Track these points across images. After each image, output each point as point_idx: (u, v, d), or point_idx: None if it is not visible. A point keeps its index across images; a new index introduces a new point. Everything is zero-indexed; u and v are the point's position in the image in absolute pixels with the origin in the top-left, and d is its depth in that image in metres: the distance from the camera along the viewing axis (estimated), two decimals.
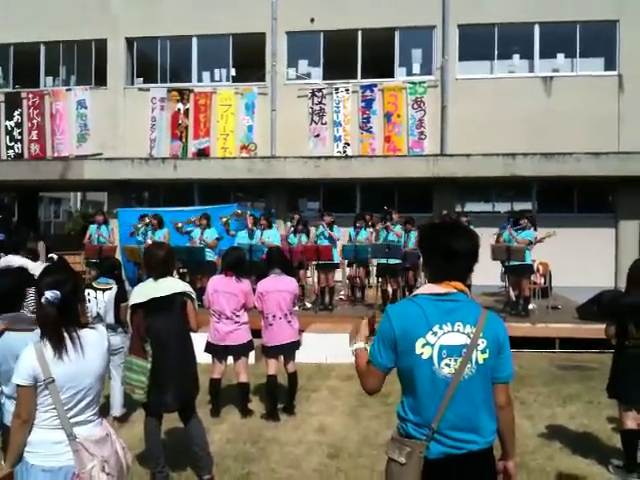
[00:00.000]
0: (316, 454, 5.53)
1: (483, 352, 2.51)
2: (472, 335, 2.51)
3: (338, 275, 12.45)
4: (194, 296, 4.97)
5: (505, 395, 2.63)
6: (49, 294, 2.85)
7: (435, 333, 2.50)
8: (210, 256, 11.70)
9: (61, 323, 2.87)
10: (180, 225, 12.10)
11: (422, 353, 2.50)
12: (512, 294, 11.38)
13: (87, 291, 6.11)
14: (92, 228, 13.04)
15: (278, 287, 6.50)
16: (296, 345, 6.73)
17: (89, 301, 6.05)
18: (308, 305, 11.85)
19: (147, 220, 12.15)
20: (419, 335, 2.51)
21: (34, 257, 7.92)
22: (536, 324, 10.25)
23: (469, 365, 2.49)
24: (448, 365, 2.49)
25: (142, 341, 4.64)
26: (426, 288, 2.63)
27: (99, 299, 6.11)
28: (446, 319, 2.52)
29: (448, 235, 2.61)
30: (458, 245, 2.57)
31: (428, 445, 2.47)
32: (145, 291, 4.79)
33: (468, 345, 2.50)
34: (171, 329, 4.73)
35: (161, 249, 5.01)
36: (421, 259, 10.00)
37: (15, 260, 7.08)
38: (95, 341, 2.96)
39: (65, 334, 2.86)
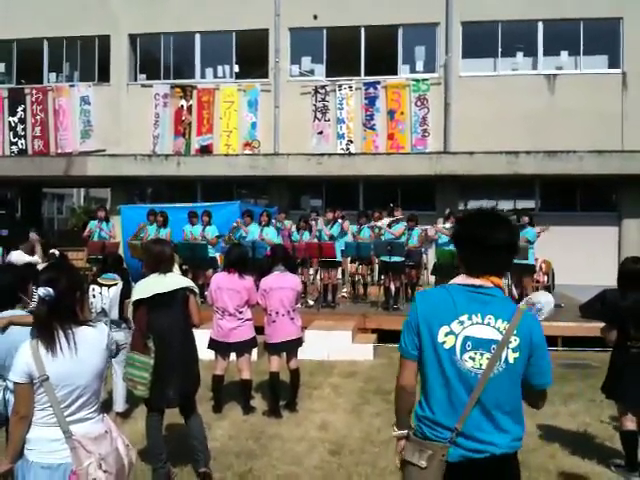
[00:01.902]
0: (318, 451, 5.54)
1: (514, 351, 2.36)
2: (504, 331, 2.36)
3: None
4: (197, 291, 5.02)
5: (544, 400, 2.53)
6: (41, 291, 2.87)
7: (462, 322, 2.38)
8: (210, 252, 11.76)
9: (53, 320, 2.87)
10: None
11: (444, 342, 2.38)
12: (514, 292, 11.39)
13: (92, 287, 6.13)
14: (92, 223, 13.08)
15: (281, 284, 6.51)
16: (299, 342, 6.74)
17: (94, 297, 6.07)
18: (311, 302, 11.86)
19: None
20: (444, 322, 2.39)
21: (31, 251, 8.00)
22: None
23: (498, 362, 2.35)
24: (472, 359, 2.36)
25: (144, 337, 4.66)
26: (461, 278, 2.50)
27: (104, 295, 6.12)
28: (476, 310, 2.39)
29: (488, 227, 2.46)
30: (498, 237, 2.42)
31: (449, 448, 2.35)
32: (148, 287, 4.79)
33: (499, 341, 2.35)
34: (174, 324, 4.76)
35: (167, 245, 5.09)
36: (424, 257, 9.98)
37: (16, 256, 7.13)
38: (93, 339, 2.95)
39: (60, 332, 2.86)
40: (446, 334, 2.39)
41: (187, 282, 5.00)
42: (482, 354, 2.36)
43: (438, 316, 2.42)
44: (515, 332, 2.37)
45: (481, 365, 2.36)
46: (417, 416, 2.49)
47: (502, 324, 2.38)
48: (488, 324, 2.38)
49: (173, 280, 4.86)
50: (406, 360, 2.50)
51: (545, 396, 2.54)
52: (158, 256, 4.85)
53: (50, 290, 2.88)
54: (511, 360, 2.36)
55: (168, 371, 4.66)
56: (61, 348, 2.83)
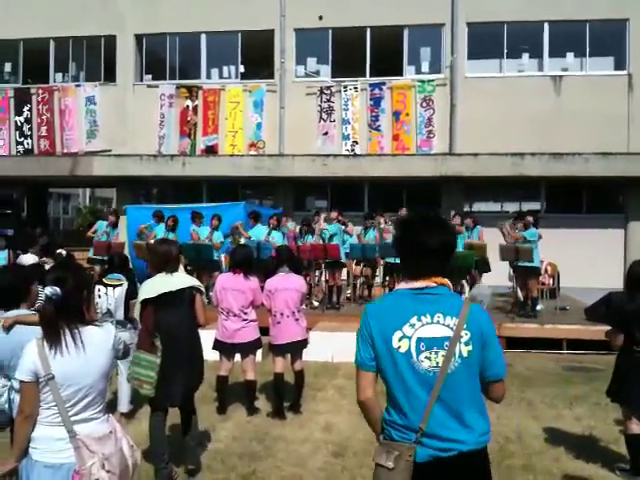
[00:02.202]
0: (322, 453, 5.54)
1: (467, 344, 2.40)
2: (454, 327, 2.40)
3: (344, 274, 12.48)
4: (203, 290, 5.09)
5: (499, 394, 2.53)
6: (48, 291, 2.88)
7: (412, 325, 2.42)
8: (215, 256, 11.79)
9: (60, 320, 2.88)
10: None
11: (399, 347, 2.41)
12: (520, 295, 11.36)
13: (97, 287, 6.13)
14: (101, 224, 13.11)
15: (286, 285, 6.51)
16: (303, 343, 6.73)
17: (99, 297, 6.08)
18: (315, 303, 11.86)
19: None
20: (395, 328, 2.43)
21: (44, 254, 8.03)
22: (544, 325, 10.22)
23: (453, 359, 2.38)
24: (428, 358, 2.39)
25: (151, 336, 4.68)
26: (404, 283, 2.55)
27: (109, 295, 6.13)
28: (425, 310, 2.43)
29: (421, 231, 2.51)
30: (432, 241, 2.47)
31: (416, 448, 2.38)
32: (155, 286, 4.83)
33: (451, 337, 2.39)
34: (181, 323, 4.82)
35: (173, 245, 5.14)
36: None
37: (27, 259, 7.15)
38: (99, 339, 2.96)
39: (66, 331, 2.86)
40: (400, 339, 2.42)
41: (193, 281, 5.07)
42: (437, 352, 2.40)
43: (389, 323, 2.45)
44: (465, 326, 2.41)
45: (437, 363, 2.39)
46: (385, 421, 2.52)
47: (451, 320, 2.42)
48: (438, 322, 2.42)
49: (179, 279, 4.93)
50: (362, 372, 2.52)
51: (501, 389, 2.54)
52: (164, 256, 4.90)
53: (57, 289, 2.89)
54: (465, 354, 2.40)
55: (174, 370, 4.70)
56: (67, 347, 2.84)
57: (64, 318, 2.89)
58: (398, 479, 2.36)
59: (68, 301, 2.92)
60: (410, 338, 2.41)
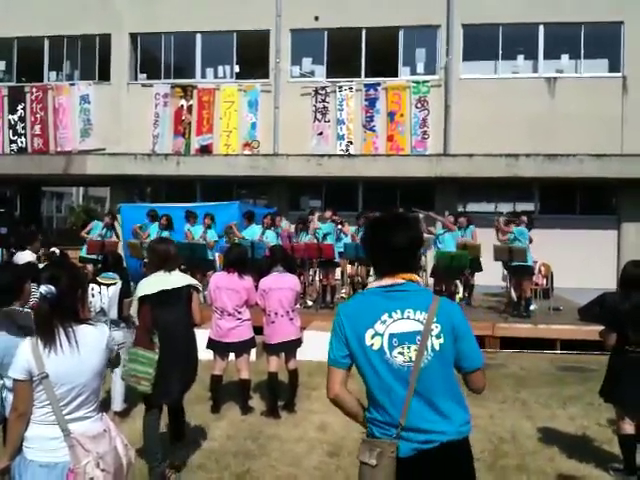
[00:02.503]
0: (316, 452, 5.53)
1: (438, 337, 2.44)
2: (425, 321, 2.44)
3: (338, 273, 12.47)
4: (200, 288, 5.13)
5: (479, 385, 2.55)
6: (43, 289, 2.87)
7: (384, 322, 2.46)
8: (209, 255, 11.78)
9: (54, 318, 2.87)
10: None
11: (372, 344, 2.45)
12: (514, 295, 11.40)
13: (91, 286, 6.12)
14: (97, 225, 13.06)
15: (280, 284, 6.51)
16: (297, 343, 6.73)
17: (93, 296, 6.06)
18: (309, 303, 11.86)
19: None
20: (367, 326, 2.47)
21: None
22: (537, 325, 10.25)
23: (425, 352, 2.42)
24: (401, 354, 2.43)
25: (149, 333, 4.68)
26: (375, 282, 2.60)
27: (103, 294, 6.11)
28: (395, 307, 2.48)
29: (386, 231, 2.57)
30: (396, 239, 2.52)
31: (398, 444, 2.40)
32: (153, 284, 4.85)
33: (422, 332, 2.43)
34: (178, 321, 4.84)
35: (171, 244, 5.17)
36: (423, 259, 9.95)
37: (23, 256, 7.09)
38: (93, 338, 2.95)
39: (60, 329, 2.86)
40: (372, 336, 2.46)
41: (191, 280, 5.10)
42: (409, 347, 2.43)
43: (361, 321, 2.50)
44: (435, 320, 2.45)
45: (411, 358, 2.43)
46: (367, 419, 2.56)
47: (421, 315, 2.46)
48: (408, 318, 2.46)
49: (177, 278, 4.96)
50: (334, 369, 2.55)
51: (480, 379, 2.56)
52: (163, 254, 4.94)
53: (52, 288, 2.88)
54: (437, 347, 2.44)
55: (171, 368, 4.70)
56: (61, 346, 2.83)
57: (59, 317, 2.89)
58: (381, 475, 2.39)
59: (63, 300, 2.91)
60: (382, 335, 2.45)
